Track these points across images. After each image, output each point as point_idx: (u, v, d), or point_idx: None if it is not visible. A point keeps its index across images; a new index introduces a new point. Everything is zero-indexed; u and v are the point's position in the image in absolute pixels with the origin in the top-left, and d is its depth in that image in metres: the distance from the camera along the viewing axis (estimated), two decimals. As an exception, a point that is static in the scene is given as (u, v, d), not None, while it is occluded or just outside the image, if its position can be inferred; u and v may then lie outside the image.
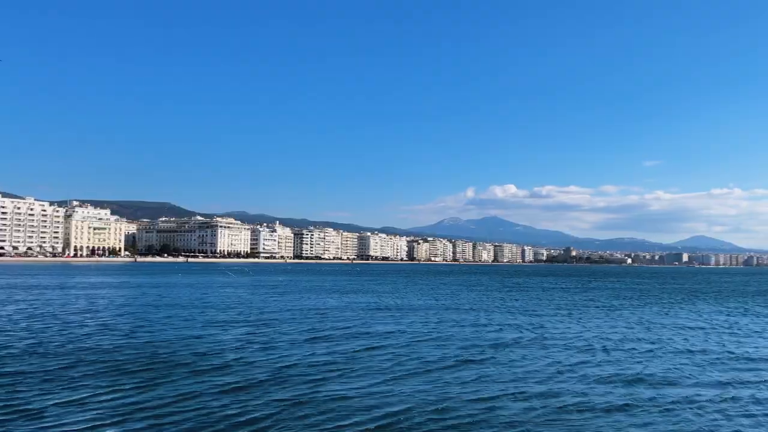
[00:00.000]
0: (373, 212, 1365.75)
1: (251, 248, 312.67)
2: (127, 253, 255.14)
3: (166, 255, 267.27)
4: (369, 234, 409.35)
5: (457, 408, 14.39)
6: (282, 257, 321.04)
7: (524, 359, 20.95)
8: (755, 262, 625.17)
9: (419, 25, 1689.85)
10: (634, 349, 23.86)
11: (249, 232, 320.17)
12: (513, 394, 15.79)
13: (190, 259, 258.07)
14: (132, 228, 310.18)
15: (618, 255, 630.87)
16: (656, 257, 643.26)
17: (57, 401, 14.17)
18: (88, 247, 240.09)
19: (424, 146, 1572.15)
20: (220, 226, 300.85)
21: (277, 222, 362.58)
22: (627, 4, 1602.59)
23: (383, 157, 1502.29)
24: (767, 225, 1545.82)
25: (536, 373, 18.59)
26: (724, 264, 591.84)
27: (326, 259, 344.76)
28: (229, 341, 23.94)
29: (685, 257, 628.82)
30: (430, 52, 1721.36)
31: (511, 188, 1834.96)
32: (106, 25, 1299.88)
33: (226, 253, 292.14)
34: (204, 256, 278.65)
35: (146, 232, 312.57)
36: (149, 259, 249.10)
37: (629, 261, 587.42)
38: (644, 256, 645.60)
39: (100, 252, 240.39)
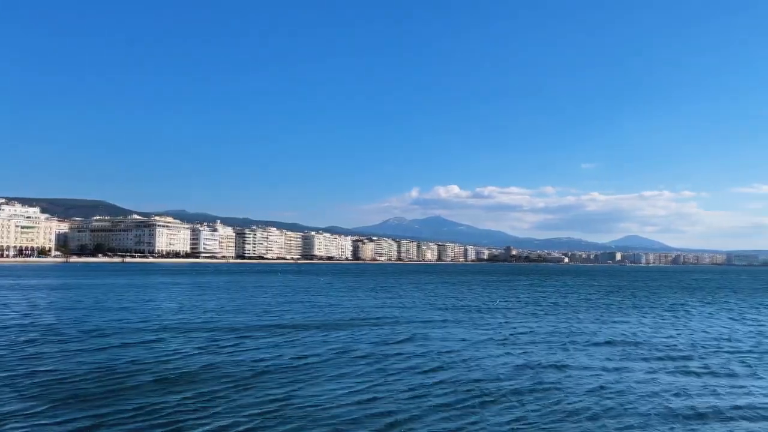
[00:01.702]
0: (318, 212, 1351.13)
1: (191, 248, 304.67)
2: (58, 253, 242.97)
3: (100, 255, 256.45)
4: (313, 233, 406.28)
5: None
6: (223, 257, 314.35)
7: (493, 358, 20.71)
8: (682, 260, 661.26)
9: (369, 32, 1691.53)
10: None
11: (189, 232, 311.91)
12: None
13: (126, 260, 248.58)
14: (63, 227, 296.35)
15: (556, 254, 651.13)
16: (592, 256, 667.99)
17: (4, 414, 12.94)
18: (15, 246, 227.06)
19: (369, 147, 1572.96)
20: (158, 225, 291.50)
21: (219, 221, 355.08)
22: (568, 12, 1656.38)
23: (328, 156, 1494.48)
24: (694, 225, 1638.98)
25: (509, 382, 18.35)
26: (654, 262, 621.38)
27: (269, 259, 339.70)
28: (186, 347, 22.62)
29: (618, 256, 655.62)
30: (380, 55, 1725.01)
31: (455, 189, 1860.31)
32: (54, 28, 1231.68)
33: (164, 253, 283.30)
34: (141, 257, 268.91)
35: (79, 231, 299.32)
36: (82, 259, 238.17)
37: (566, 260, 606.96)
38: (580, 255, 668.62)
39: (29, 252, 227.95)
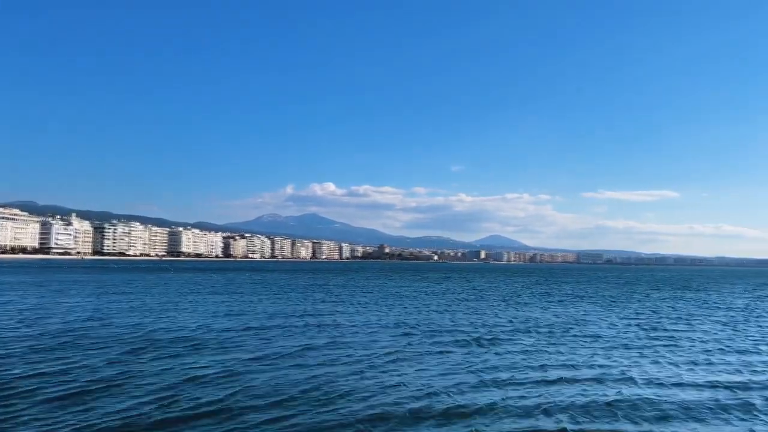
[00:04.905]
0: (186, 206, 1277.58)
1: (41, 243, 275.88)
2: None
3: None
4: (181, 229, 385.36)
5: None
6: (78, 253, 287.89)
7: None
8: (539, 259, 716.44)
9: (249, 26, 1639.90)
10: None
11: (38, 225, 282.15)
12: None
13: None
14: None
15: (426, 252, 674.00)
16: (459, 254, 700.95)
17: None
18: None
19: (242, 140, 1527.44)
20: (1, 218, 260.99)
21: (74, 214, 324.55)
22: (440, 14, 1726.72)
23: (197, 148, 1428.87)
24: (549, 226, 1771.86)
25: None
26: (514, 260, 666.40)
27: (132, 256, 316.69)
28: (88, 356, 18.78)
29: (483, 254, 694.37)
30: (255, 48, 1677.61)
31: (330, 186, 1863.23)
32: None
33: (8, 249, 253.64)
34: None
35: None
36: None
37: (436, 258, 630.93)
38: (449, 253, 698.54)
39: None
